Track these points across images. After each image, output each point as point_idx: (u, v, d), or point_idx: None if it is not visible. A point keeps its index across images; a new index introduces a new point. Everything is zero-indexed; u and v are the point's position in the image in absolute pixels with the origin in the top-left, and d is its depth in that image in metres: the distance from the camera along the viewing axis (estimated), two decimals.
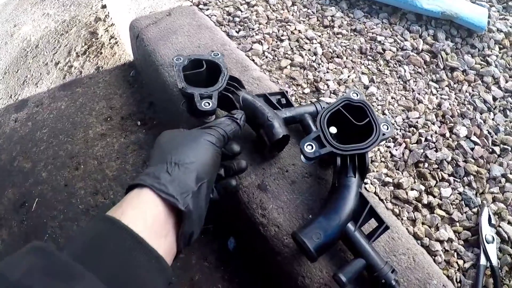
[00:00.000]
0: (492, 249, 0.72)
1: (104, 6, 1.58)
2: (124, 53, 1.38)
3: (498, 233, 0.76)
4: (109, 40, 1.44)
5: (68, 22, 1.58)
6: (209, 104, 0.74)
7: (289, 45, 1.06)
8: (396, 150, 0.86)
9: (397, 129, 0.90)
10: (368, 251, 0.63)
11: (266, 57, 1.03)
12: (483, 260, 0.71)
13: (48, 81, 1.38)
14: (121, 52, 1.38)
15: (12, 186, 1.13)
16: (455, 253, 0.74)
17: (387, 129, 0.70)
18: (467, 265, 0.72)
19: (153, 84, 1.10)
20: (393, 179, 0.82)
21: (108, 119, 1.20)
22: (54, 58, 1.46)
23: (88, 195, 1.04)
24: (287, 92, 0.88)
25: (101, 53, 1.41)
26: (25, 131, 1.25)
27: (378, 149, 0.86)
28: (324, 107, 0.81)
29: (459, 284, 0.70)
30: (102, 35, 1.47)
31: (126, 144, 1.12)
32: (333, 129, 0.71)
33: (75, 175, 1.09)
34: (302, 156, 0.77)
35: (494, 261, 0.71)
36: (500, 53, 1.07)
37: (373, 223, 0.68)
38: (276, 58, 1.03)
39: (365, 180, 0.81)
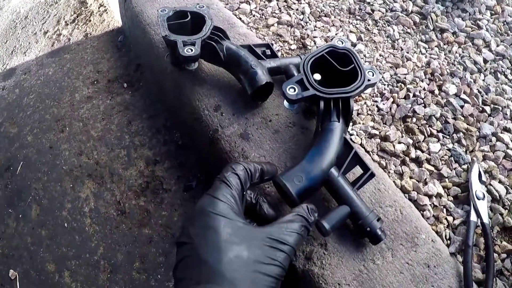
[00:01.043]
0: (482, 206, 0.70)
1: None
2: (112, 20, 1.37)
3: (489, 192, 0.74)
4: (98, 8, 1.43)
5: None
6: (191, 50, 0.73)
7: (277, 5, 1.05)
8: (384, 104, 0.85)
9: (384, 84, 0.89)
10: (352, 197, 0.61)
11: (254, 16, 1.02)
12: (473, 217, 0.69)
13: (37, 50, 1.37)
14: (110, 19, 1.37)
15: None
16: (444, 209, 0.72)
17: (373, 75, 0.69)
18: (456, 222, 0.70)
19: (140, 44, 1.09)
20: (379, 132, 0.80)
21: (95, 82, 1.19)
22: (43, 28, 1.44)
23: (72, 156, 1.04)
24: (272, 44, 0.87)
25: (90, 20, 1.39)
26: (12, 98, 1.24)
27: (365, 102, 0.85)
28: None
29: (448, 241, 0.68)
30: (91, 4, 1.46)
31: (112, 105, 1.11)
32: (317, 76, 0.69)
33: (60, 137, 1.08)
34: (284, 101, 0.76)
35: (485, 219, 0.69)
36: (491, 18, 1.06)
37: (357, 172, 0.67)
38: (263, 16, 1.02)
39: (351, 132, 0.80)
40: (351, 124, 0.81)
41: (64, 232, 0.92)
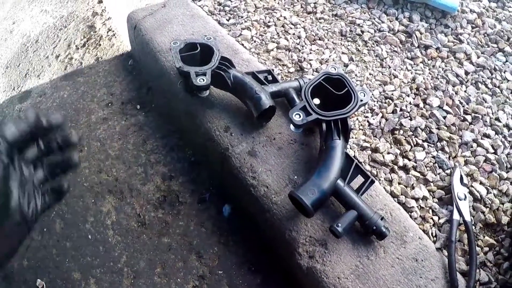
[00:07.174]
0: (464, 206, 0.80)
1: (100, 1, 1.66)
2: (122, 44, 1.45)
3: (471, 193, 0.84)
4: (107, 32, 1.52)
5: (66, 18, 1.66)
6: (203, 80, 0.83)
7: (275, 30, 1.15)
8: (374, 119, 0.95)
9: (374, 101, 0.99)
10: (358, 203, 0.72)
11: (254, 42, 1.12)
12: (456, 215, 0.79)
13: (50, 73, 1.45)
14: (119, 44, 1.46)
15: None
16: (430, 210, 0.82)
17: (364, 96, 0.80)
18: (441, 221, 0.81)
19: (151, 70, 1.18)
20: (370, 144, 0.90)
21: (109, 104, 1.27)
22: (54, 52, 1.53)
23: (92, 174, 1.12)
24: (273, 70, 0.96)
25: (100, 45, 1.48)
26: None
27: (357, 118, 0.95)
28: (306, 82, 0.90)
29: (434, 238, 0.78)
30: (100, 28, 1.55)
31: (127, 126, 1.20)
32: (317, 100, 0.80)
33: (80, 157, 1.16)
34: (291, 125, 0.86)
35: (467, 217, 0.79)
36: (472, 31, 1.15)
37: (358, 181, 0.77)
38: (263, 42, 1.12)
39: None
40: None
41: (88, 243, 1.00)
